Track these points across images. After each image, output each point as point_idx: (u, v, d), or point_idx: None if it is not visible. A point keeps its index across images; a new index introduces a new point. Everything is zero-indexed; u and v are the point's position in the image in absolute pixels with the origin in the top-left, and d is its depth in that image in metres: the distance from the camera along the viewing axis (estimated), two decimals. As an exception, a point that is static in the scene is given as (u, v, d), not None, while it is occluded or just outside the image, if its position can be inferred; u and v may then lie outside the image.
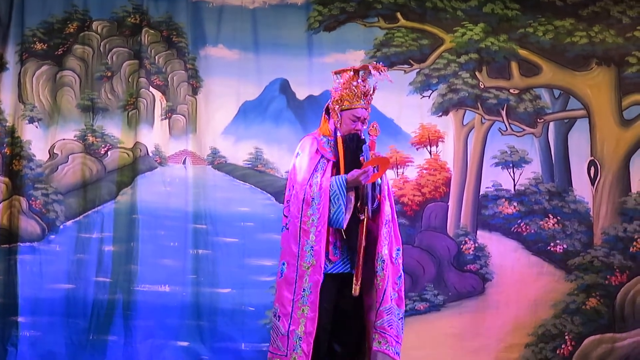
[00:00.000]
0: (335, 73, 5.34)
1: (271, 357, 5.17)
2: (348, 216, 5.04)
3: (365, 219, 5.07)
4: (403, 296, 5.24)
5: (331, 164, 5.19)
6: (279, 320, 5.10)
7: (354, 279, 5.02)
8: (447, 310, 7.39)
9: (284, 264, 5.14)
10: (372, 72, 5.17)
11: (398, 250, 5.24)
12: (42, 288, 7.22)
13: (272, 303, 7.16)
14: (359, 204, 5.09)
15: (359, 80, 5.20)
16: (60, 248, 7.30)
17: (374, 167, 5.06)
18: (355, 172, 5.03)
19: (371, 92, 5.23)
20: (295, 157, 5.32)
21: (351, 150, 5.16)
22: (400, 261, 5.24)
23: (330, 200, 5.02)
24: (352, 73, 5.23)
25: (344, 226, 5.03)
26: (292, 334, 5.02)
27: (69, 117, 7.45)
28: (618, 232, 7.44)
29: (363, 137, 5.23)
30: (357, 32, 7.59)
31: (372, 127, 5.22)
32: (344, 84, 5.23)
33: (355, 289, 5.01)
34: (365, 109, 5.21)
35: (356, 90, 5.18)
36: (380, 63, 5.27)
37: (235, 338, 7.27)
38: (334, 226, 5.05)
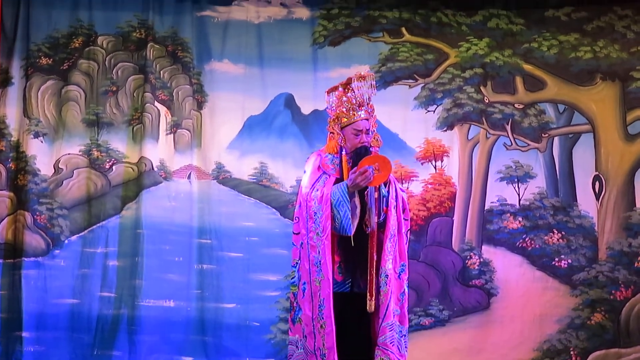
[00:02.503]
0: (328, 92, 5.29)
1: None
2: (356, 222, 5.00)
3: (375, 233, 5.04)
4: (406, 313, 5.16)
5: (333, 179, 5.13)
6: (306, 341, 5.05)
7: (368, 294, 4.98)
8: (452, 325, 7.38)
9: (304, 283, 5.09)
10: (355, 82, 5.11)
11: (403, 265, 5.16)
12: (47, 303, 7.22)
13: (276, 317, 7.26)
14: (366, 218, 5.06)
15: (349, 94, 5.15)
16: (64, 263, 7.30)
17: (371, 166, 4.93)
18: (352, 174, 4.97)
19: (367, 101, 5.16)
20: (304, 174, 5.33)
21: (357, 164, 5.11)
22: (405, 277, 5.16)
23: (334, 208, 4.97)
24: (340, 89, 5.19)
25: (352, 232, 4.97)
26: (318, 351, 4.99)
27: (74, 131, 7.46)
28: (623, 247, 7.43)
29: (371, 146, 5.16)
30: (362, 47, 7.59)
31: (374, 138, 5.19)
32: (336, 102, 5.20)
33: (370, 305, 4.97)
34: (367, 120, 5.16)
35: (349, 105, 5.15)
36: (367, 71, 5.25)
37: (240, 353, 7.25)
38: (342, 234, 5.00)
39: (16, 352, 7.12)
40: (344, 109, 5.15)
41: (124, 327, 7.21)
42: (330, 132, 5.22)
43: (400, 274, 5.14)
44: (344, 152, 5.15)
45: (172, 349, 7.23)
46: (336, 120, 5.18)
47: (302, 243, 5.12)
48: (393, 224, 5.10)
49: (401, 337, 5.11)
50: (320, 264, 4.98)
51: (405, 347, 5.13)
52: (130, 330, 7.20)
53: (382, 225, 5.10)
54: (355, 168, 4.97)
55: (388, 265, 5.03)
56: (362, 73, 5.18)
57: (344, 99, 5.16)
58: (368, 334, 5.13)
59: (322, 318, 4.96)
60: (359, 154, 5.10)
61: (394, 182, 5.21)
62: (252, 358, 7.24)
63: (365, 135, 5.14)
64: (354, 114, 5.14)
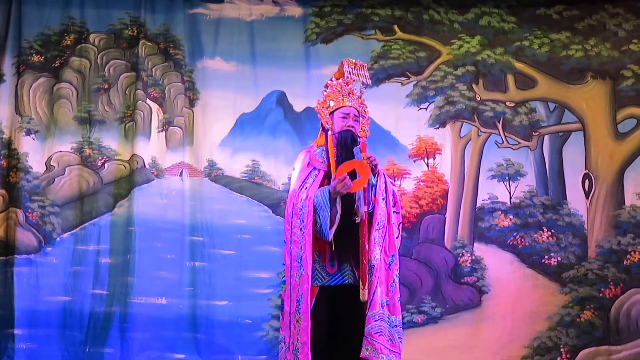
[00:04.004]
0: (326, 87, 5.35)
1: None
2: (334, 228, 5.01)
3: (365, 222, 5.04)
4: (397, 303, 5.16)
5: (322, 173, 5.16)
6: (283, 334, 5.11)
7: (360, 283, 5.00)
8: (444, 322, 7.41)
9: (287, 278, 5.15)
10: (346, 67, 5.19)
11: (392, 256, 5.17)
12: (39, 300, 7.22)
13: (268, 315, 7.29)
14: (355, 207, 5.06)
15: (340, 80, 5.23)
16: (56, 260, 7.30)
17: (349, 172, 4.95)
18: (333, 182, 4.98)
19: (356, 91, 5.23)
20: (293, 172, 5.35)
21: (344, 147, 5.12)
22: (395, 268, 5.17)
23: (315, 211, 5.00)
24: (334, 78, 5.27)
25: (330, 238, 5.00)
26: (291, 345, 5.03)
27: (65, 129, 7.45)
28: (612, 245, 7.47)
29: (358, 137, 5.17)
30: (354, 44, 7.61)
31: (361, 129, 5.22)
32: (329, 90, 5.26)
33: (364, 294, 4.99)
34: (356, 109, 5.20)
35: (339, 89, 5.21)
36: (358, 61, 5.30)
37: (231, 350, 7.26)
38: (320, 237, 5.03)
39: (8, 350, 7.12)
40: (333, 93, 5.22)
41: (116, 325, 7.21)
42: (320, 117, 5.24)
43: (390, 265, 5.15)
44: (329, 133, 5.17)
45: (164, 346, 7.23)
46: (324, 104, 5.24)
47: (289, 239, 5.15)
48: (381, 214, 5.12)
49: (393, 327, 5.09)
50: (301, 259, 5.01)
51: (400, 338, 5.11)
52: (122, 327, 7.20)
53: (371, 215, 5.12)
54: (335, 175, 4.99)
55: (375, 255, 5.04)
56: (355, 62, 5.27)
57: (335, 83, 5.24)
58: (363, 326, 5.15)
59: (299, 313, 4.98)
60: (345, 137, 5.13)
61: (383, 174, 5.24)
62: (244, 355, 7.26)
63: (353, 121, 5.18)
64: (344, 99, 5.19)
